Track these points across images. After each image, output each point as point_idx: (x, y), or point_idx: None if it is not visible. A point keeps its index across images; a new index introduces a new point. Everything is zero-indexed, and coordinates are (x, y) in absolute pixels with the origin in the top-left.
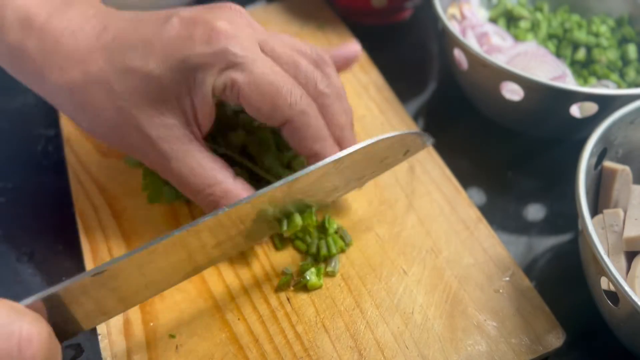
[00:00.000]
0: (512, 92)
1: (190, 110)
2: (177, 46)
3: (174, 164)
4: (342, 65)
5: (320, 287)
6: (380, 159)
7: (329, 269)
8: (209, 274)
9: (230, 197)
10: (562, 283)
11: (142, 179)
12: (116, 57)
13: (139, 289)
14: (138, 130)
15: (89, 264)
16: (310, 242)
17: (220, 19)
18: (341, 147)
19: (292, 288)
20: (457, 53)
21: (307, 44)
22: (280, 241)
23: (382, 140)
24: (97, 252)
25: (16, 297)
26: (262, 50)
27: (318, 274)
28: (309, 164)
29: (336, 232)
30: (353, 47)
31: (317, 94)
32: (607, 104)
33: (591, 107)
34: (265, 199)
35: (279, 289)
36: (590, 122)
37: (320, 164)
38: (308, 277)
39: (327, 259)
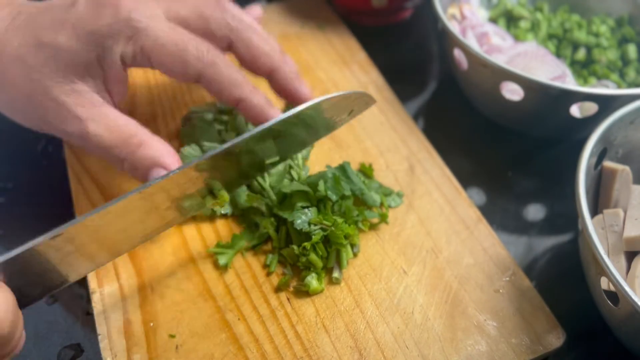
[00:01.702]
0: (512, 92)
1: (100, 79)
2: (86, 21)
3: (90, 126)
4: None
5: (321, 291)
6: (325, 120)
7: (334, 275)
8: (209, 274)
9: (148, 147)
10: (562, 283)
11: None
12: (29, 35)
13: (99, 250)
14: (52, 99)
15: None
16: (322, 255)
17: None
18: (273, 75)
19: (291, 289)
20: (457, 53)
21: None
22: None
23: (325, 100)
24: None
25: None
26: (168, 17)
27: (319, 279)
28: (239, 110)
29: (346, 238)
30: (256, 10)
31: (230, 30)
32: (607, 104)
33: (591, 107)
34: (202, 166)
35: (278, 289)
36: (590, 122)
37: (262, 126)
38: (309, 282)
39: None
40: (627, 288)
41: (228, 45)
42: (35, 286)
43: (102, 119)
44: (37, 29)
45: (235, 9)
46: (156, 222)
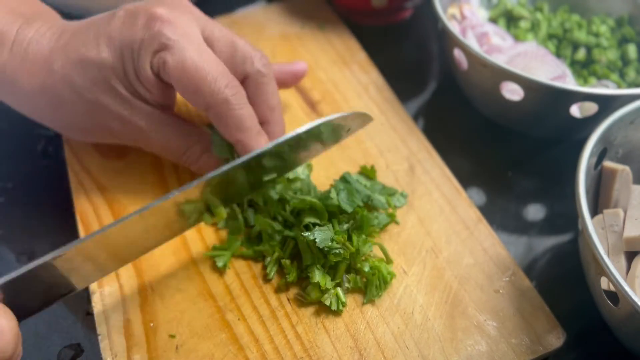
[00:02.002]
0: (512, 92)
1: (143, 91)
2: (123, 33)
3: (153, 137)
4: (290, 80)
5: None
6: (322, 140)
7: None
8: (209, 274)
9: (208, 157)
10: (562, 283)
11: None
12: (73, 52)
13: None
14: (112, 115)
15: None
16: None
17: (159, 6)
18: (268, 126)
19: (291, 295)
20: (457, 53)
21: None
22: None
23: (323, 123)
24: None
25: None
26: (202, 34)
27: (319, 290)
28: (235, 150)
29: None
30: (301, 64)
31: (254, 71)
32: (607, 104)
33: (591, 107)
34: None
35: (279, 289)
36: (590, 122)
37: (250, 154)
38: (309, 292)
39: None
40: (627, 288)
41: (242, 79)
42: (37, 299)
43: (163, 130)
44: (80, 45)
45: (264, 56)
46: (154, 237)
